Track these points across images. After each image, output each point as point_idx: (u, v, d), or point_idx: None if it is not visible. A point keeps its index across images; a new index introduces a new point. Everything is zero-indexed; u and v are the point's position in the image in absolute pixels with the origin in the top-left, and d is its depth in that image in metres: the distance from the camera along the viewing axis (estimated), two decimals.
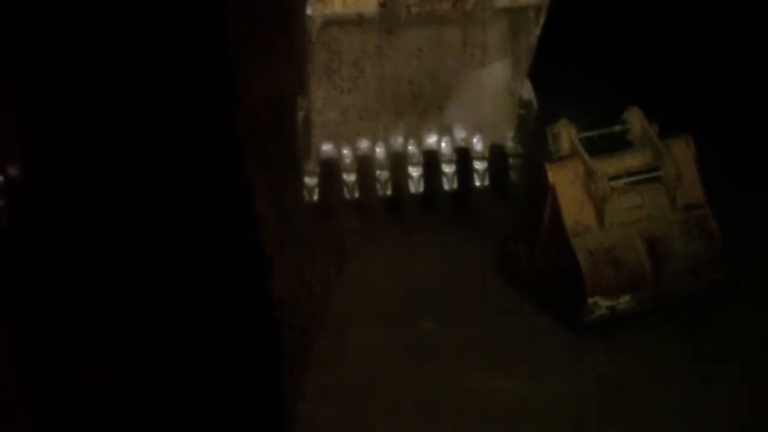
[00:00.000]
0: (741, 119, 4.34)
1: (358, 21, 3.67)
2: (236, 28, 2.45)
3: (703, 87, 4.43)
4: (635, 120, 3.68)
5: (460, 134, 4.05)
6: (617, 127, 3.70)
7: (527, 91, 3.98)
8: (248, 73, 2.79)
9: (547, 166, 3.55)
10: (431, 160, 4.05)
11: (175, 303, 2.34)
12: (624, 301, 3.50)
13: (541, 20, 3.75)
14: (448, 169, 4.05)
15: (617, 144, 3.69)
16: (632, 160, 3.61)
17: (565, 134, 3.62)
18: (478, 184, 4.08)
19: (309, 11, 3.56)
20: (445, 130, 4.04)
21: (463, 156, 4.07)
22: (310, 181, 3.96)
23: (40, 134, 2.28)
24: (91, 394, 2.39)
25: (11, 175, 2.91)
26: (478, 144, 4.05)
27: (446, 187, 4.06)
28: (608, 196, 3.52)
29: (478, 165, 4.07)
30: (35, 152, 2.33)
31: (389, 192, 4.03)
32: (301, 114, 3.86)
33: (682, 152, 3.64)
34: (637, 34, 4.56)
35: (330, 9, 3.59)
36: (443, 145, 4.05)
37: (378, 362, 3.28)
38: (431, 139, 4.05)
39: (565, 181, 3.54)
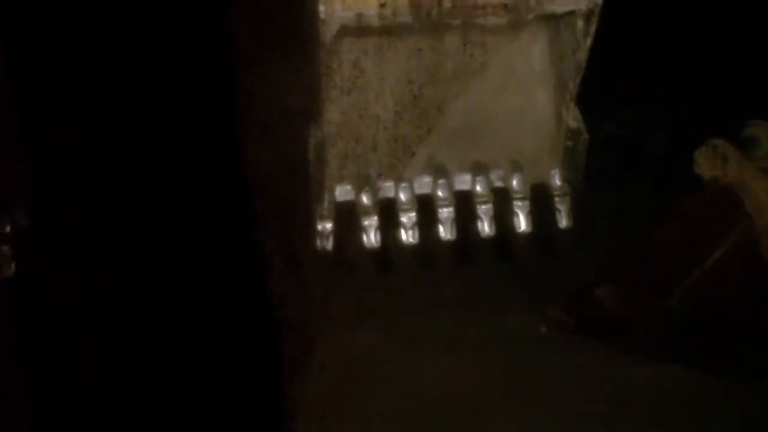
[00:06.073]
0: None
1: (382, 29, 3.11)
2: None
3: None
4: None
5: (497, 172, 3.45)
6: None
7: (575, 119, 3.41)
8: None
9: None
10: (464, 202, 3.44)
11: (174, 303, 2.32)
12: None
13: (592, 30, 3.21)
14: (484, 212, 3.43)
15: None
16: None
17: (733, 157, 3.06)
18: (519, 229, 3.45)
19: (323, 13, 3.00)
20: (479, 168, 3.44)
21: (502, 197, 3.45)
22: (324, 226, 3.32)
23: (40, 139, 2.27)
24: (90, 396, 2.37)
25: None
26: (518, 183, 3.43)
27: (482, 233, 3.43)
28: None
29: (519, 207, 3.44)
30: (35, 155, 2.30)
31: (415, 239, 3.38)
32: (312, 143, 3.25)
33: None
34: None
35: (348, 11, 3.02)
36: (478, 185, 3.43)
37: (378, 362, 3.05)
38: (464, 179, 3.44)
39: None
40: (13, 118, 2.20)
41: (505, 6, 3.03)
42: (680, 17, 3.99)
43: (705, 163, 3.10)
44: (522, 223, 3.45)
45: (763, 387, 2.88)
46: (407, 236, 3.37)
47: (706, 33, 3.95)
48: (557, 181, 3.48)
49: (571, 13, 3.21)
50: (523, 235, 3.48)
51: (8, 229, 2.72)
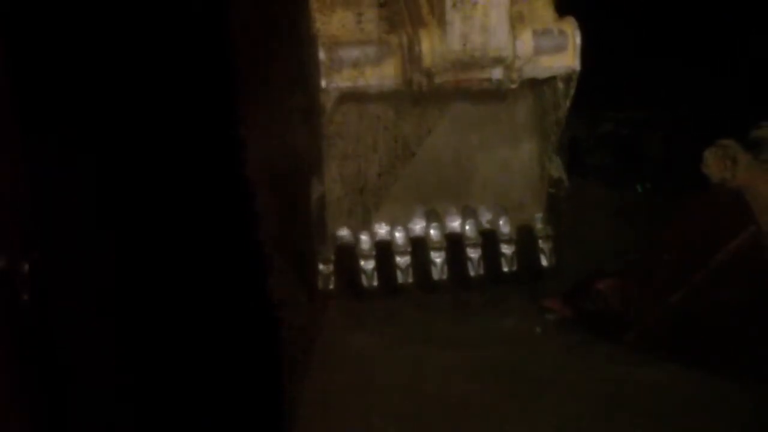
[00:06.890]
0: None
1: (378, 94, 3.42)
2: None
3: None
4: None
5: (485, 216, 3.77)
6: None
7: (557, 169, 3.72)
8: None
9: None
10: (455, 244, 3.76)
11: (174, 303, 2.33)
12: None
13: (571, 92, 3.51)
14: (473, 254, 3.76)
15: None
16: None
17: (742, 159, 3.06)
18: (506, 269, 3.77)
19: (324, 84, 3.32)
20: (469, 212, 3.76)
21: (490, 239, 3.77)
22: (325, 268, 3.66)
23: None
24: (90, 396, 2.37)
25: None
26: (504, 226, 3.76)
27: (471, 273, 3.75)
28: None
29: (506, 249, 3.77)
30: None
31: (410, 279, 3.72)
32: (315, 196, 3.59)
33: None
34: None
35: (347, 82, 3.34)
36: (467, 228, 3.76)
37: (378, 362, 3.16)
38: (454, 222, 3.76)
39: None
40: (13, 118, 2.18)
41: (490, 80, 3.34)
42: (681, 17, 4.22)
43: (714, 164, 3.10)
44: (509, 261, 3.78)
45: (764, 388, 2.92)
46: (404, 276, 3.71)
47: (706, 33, 4.15)
48: (540, 224, 3.80)
49: (553, 77, 3.50)
50: (511, 273, 3.80)
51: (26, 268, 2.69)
